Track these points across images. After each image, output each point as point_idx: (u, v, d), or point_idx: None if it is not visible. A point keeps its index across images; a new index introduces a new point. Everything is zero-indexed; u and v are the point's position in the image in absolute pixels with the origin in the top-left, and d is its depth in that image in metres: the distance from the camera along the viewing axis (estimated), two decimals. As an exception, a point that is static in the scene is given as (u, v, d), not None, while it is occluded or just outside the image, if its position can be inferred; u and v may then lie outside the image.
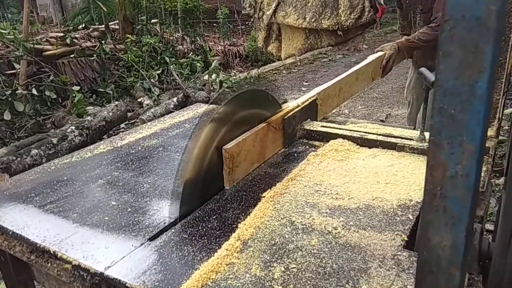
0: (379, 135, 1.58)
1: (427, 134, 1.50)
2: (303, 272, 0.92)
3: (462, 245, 0.50)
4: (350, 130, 1.63)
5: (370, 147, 1.55)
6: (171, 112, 2.35)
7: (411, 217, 1.10)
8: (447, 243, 0.51)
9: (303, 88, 6.62)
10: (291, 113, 1.61)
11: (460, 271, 0.51)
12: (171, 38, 7.83)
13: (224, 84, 6.11)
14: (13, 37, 5.59)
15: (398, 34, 3.14)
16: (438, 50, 0.45)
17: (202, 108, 2.27)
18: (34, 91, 4.94)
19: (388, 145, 1.53)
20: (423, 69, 1.49)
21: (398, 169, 1.37)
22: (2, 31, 5.53)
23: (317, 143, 1.64)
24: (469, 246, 0.52)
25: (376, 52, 2.54)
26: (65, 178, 1.45)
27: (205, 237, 1.07)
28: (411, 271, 0.89)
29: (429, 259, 0.53)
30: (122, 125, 5.02)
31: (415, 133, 1.55)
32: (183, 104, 5.12)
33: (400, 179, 1.30)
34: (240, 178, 1.37)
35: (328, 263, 0.94)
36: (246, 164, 1.39)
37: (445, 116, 0.45)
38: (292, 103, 1.70)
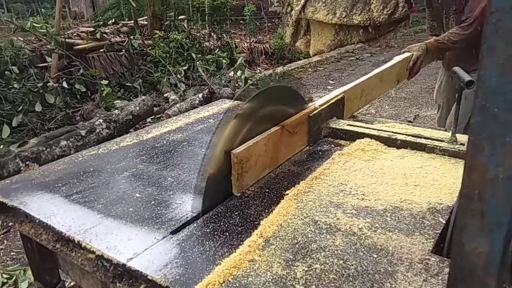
0: (408, 135, 1.53)
1: (459, 136, 1.45)
2: (326, 273, 0.90)
3: (499, 253, 0.47)
4: (378, 130, 1.59)
5: (398, 148, 1.50)
6: (196, 107, 2.36)
7: (442, 221, 1.06)
8: (483, 250, 0.48)
9: (329, 87, 6.54)
10: (316, 111, 1.58)
11: (495, 281, 0.48)
12: (198, 34, 7.89)
13: (249, 81, 6.11)
14: (45, 31, 5.74)
15: (427, 34, 2.99)
16: (482, 44, 0.42)
17: (227, 103, 2.26)
18: (65, 84, 5.06)
19: (417, 146, 1.48)
20: (457, 68, 1.44)
21: (427, 171, 1.32)
22: (36, 25, 5.68)
23: (342, 142, 1.61)
24: (507, 255, 0.48)
25: (403, 52, 2.42)
26: (92, 169, 1.48)
27: (227, 233, 1.06)
28: (440, 277, 0.86)
29: (462, 266, 0.50)
30: (148, 120, 5.09)
31: (446, 135, 1.50)
32: (208, 100, 5.14)
33: (429, 182, 1.25)
34: (250, 184, 1.30)
35: (352, 265, 0.92)
36: (256, 170, 1.32)
37: (487, 115, 0.43)
38: (318, 101, 1.67)
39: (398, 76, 2.28)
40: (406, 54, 2.33)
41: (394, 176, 1.30)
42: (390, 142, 1.53)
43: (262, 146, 1.31)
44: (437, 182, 1.26)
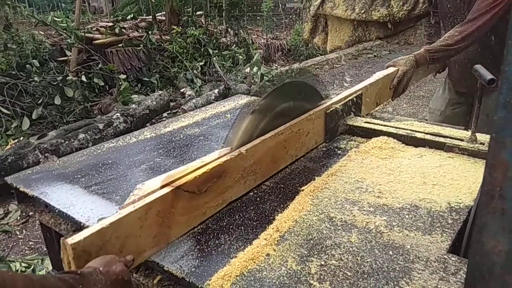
0: (427, 134, 1.51)
1: (478, 135, 1.42)
2: (341, 269, 0.90)
3: (520, 252, 0.46)
4: (396, 128, 1.57)
5: (416, 146, 1.49)
6: (211, 103, 2.37)
7: (460, 220, 1.05)
8: (502, 248, 0.47)
9: (346, 84, 6.48)
10: (333, 108, 1.58)
11: (515, 279, 0.48)
12: (215, 30, 7.90)
13: (265, 77, 6.10)
14: (65, 25, 5.82)
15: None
16: (507, 39, 0.41)
17: (243, 99, 2.27)
18: (83, 78, 5.13)
19: (436, 145, 1.46)
20: (478, 66, 1.41)
21: (446, 170, 1.30)
22: (56, 19, 5.77)
23: (359, 139, 1.60)
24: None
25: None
26: (110, 161, 1.50)
27: (242, 227, 1.07)
28: (458, 277, 0.85)
29: (481, 264, 0.50)
30: (165, 114, 5.13)
31: (466, 134, 1.48)
32: (224, 96, 5.15)
33: (448, 181, 1.24)
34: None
35: (367, 262, 0.91)
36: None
37: (510, 112, 0.42)
38: (335, 98, 1.66)
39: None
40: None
41: (412, 175, 1.29)
42: (408, 140, 1.51)
43: (135, 222, 0.92)
44: (456, 181, 1.24)
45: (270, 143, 1.28)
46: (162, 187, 1.00)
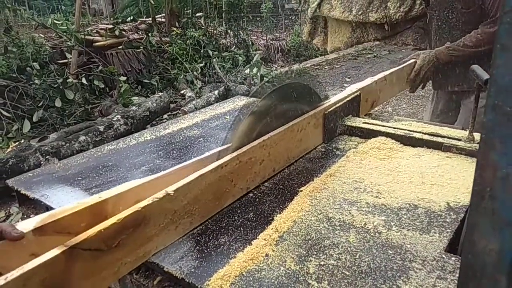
0: (425, 134, 1.52)
1: (476, 135, 1.43)
2: (339, 269, 0.91)
3: (510, 251, 0.47)
4: (394, 128, 1.58)
5: (414, 146, 1.50)
6: (211, 104, 2.38)
7: (458, 220, 1.06)
8: (493, 247, 0.48)
9: (345, 85, 6.50)
10: (331, 108, 1.59)
11: (506, 277, 0.49)
12: (215, 31, 7.92)
13: (265, 78, 6.12)
14: (65, 28, 5.86)
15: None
16: (495, 44, 0.42)
17: (242, 100, 2.28)
18: (84, 80, 5.16)
19: (434, 145, 1.47)
20: (475, 66, 1.42)
21: (444, 170, 1.31)
22: (56, 22, 5.80)
23: (358, 139, 1.61)
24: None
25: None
26: (110, 163, 1.51)
27: (241, 228, 1.08)
28: (455, 275, 0.86)
29: (473, 263, 0.51)
30: (165, 116, 5.15)
31: (464, 133, 1.49)
32: (224, 97, 5.17)
33: (447, 181, 1.25)
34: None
35: (365, 261, 0.92)
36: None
37: (499, 114, 0.43)
38: (334, 98, 1.67)
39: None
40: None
41: (410, 175, 1.30)
42: (406, 140, 1.52)
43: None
44: (454, 181, 1.25)
45: (210, 177, 1.08)
46: (37, 230, 0.75)
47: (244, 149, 1.19)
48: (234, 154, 1.16)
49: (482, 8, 1.94)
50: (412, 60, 2.03)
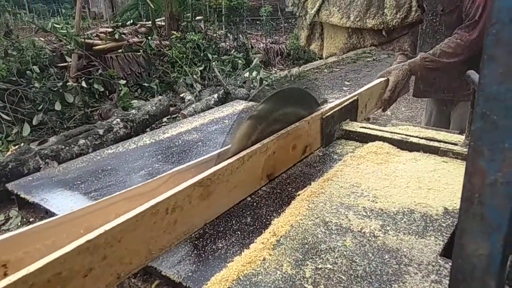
0: (421, 138, 1.53)
1: (472, 140, 1.44)
2: (335, 273, 0.91)
3: (499, 255, 0.48)
4: (391, 133, 1.60)
5: (411, 151, 1.51)
6: (211, 108, 2.40)
7: (454, 224, 1.07)
8: (483, 252, 0.49)
9: (345, 88, 6.52)
10: (329, 113, 1.60)
11: (495, 281, 0.50)
12: (215, 35, 7.96)
13: (264, 81, 6.14)
14: (65, 31, 5.88)
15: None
16: (483, 54, 0.43)
17: (241, 105, 2.29)
18: (84, 84, 5.18)
19: (430, 150, 1.48)
20: (471, 72, 1.43)
21: (441, 174, 1.32)
22: (56, 25, 5.82)
23: (355, 144, 1.62)
24: (508, 256, 0.50)
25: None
26: (109, 167, 1.52)
27: (239, 232, 1.09)
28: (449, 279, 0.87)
29: (463, 267, 0.52)
30: (165, 119, 5.17)
31: (460, 138, 1.50)
32: (223, 100, 5.19)
33: (443, 186, 1.26)
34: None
35: (361, 266, 0.93)
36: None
37: (487, 122, 0.44)
38: (332, 103, 1.69)
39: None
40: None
41: (407, 180, 1.31)
42: (403, 145, 1.53)
43: None
44: (451, 186, 1.26)
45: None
46: None
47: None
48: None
49: (461, 8, 1.89)
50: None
